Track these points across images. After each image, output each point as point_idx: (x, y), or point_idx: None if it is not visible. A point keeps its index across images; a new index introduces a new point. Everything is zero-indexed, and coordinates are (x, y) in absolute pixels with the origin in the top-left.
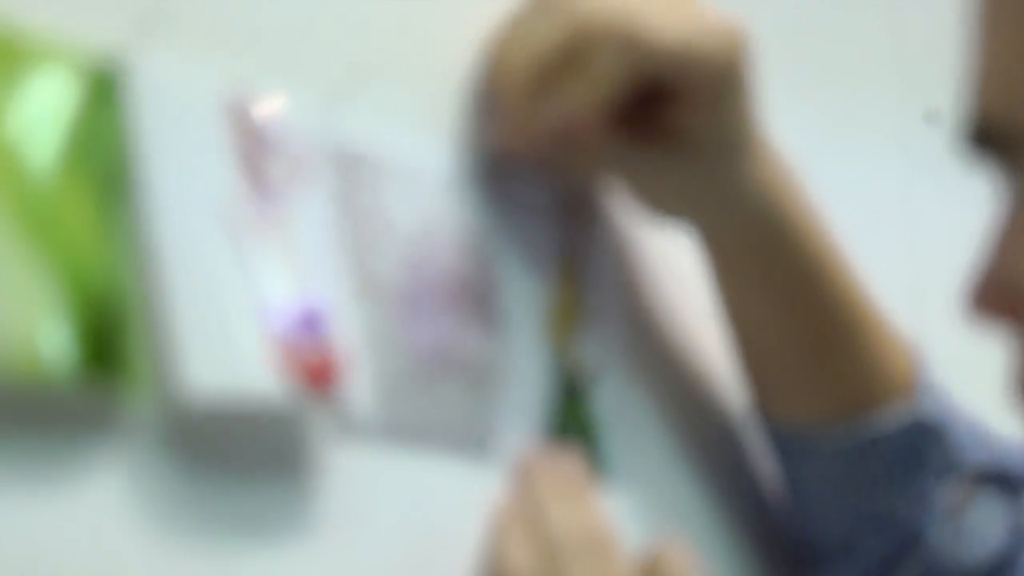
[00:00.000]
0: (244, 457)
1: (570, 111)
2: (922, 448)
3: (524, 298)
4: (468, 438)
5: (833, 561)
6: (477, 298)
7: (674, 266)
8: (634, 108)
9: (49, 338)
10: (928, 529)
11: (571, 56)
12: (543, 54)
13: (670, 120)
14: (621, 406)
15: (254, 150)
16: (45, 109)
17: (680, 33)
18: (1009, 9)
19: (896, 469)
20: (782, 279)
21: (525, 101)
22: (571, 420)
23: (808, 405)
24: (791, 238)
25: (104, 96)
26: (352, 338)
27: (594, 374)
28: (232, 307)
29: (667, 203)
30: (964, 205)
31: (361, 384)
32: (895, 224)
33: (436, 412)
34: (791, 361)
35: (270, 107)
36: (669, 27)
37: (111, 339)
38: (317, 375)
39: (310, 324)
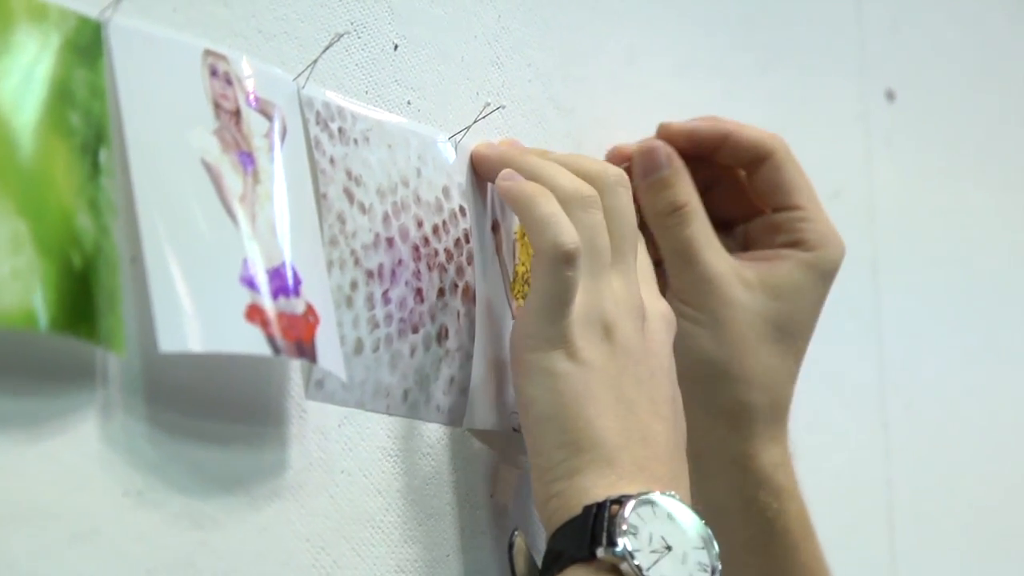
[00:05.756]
0: (218, 413)
1: None
2: None
3: (491, 264)
4: (430, 400)
5: None
6: (450, 263)
7: None
8: None
9: (30, 291)
10: None
11: None
12: None
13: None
14: None
15: (233, 108)
16: (29, 66)
17: None
18: None
19: None
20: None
21: None
22: None
23: None
24: (786, 524)
25: (87, 54)
26: (327, 298)
27: None
28: (212, 263)
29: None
30: (922, 180)
31: (333, 344)
32: (856, 200)
33: (404, 373)
34: None
35: (249, 66)
36: None
37: (93, 294)
38: (291, 334)
39: (287, 282)
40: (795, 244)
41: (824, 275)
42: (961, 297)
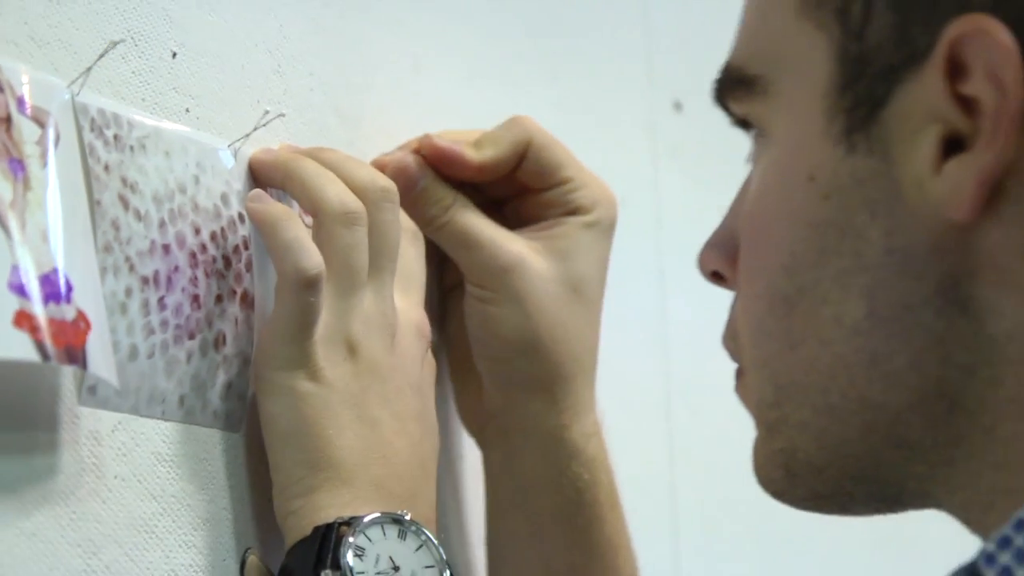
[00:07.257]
0: None
1: None
2: None
3: (270, 270)
4: (207, 406)
5: None
6: (228, 269)
7: None
8: None
9: None
10: None
11: None
12: None
13: None
14: None
15: (3, 115)
16: None
17: None
18: None
19: None
20: (571, 518)
21: None
22: None
23: None
24: (595, 496)
25: None
26: (99, 305)
27: None
28: None
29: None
30: (708, 190)
31: (105, 350)
32: (643, 208)
33: (180, 379)
34: None
35: (22, 73)
36: None
37: None
38: (61, 340)
39: (58, 288)
40: (572, 212)
41: (604, 231)
42: None
